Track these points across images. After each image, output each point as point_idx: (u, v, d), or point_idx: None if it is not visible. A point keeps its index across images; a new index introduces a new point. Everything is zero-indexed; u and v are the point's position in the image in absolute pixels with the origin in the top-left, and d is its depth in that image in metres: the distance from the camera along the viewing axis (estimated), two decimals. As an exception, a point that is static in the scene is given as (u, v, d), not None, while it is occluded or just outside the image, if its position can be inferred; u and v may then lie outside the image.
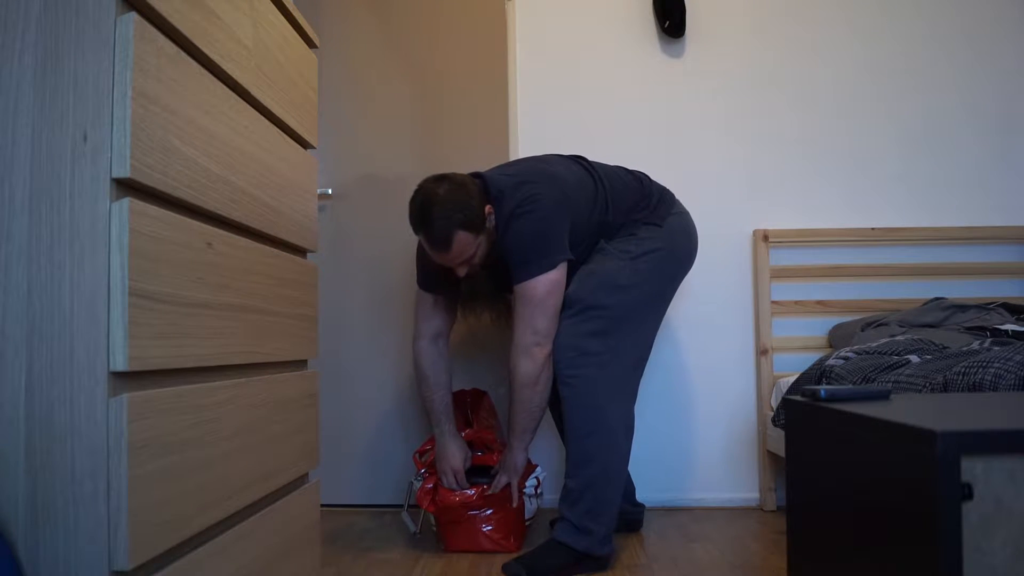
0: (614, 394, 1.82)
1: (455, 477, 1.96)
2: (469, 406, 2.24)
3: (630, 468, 2.45)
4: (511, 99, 2.56)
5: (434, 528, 2.05)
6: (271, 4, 1.22)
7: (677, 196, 2.51)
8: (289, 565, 1.25)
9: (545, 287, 1.80)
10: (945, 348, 1.83)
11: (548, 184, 1.85)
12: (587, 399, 1.80)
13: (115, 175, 0.79)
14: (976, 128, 2.56)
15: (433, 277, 1.97)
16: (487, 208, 1.82)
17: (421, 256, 1.98)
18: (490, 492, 1.93)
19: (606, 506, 1.80)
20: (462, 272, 1.86)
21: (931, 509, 0.81)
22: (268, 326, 1.18)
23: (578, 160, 2.00)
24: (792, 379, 2.14)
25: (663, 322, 2.52)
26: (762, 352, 2.45)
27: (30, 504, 0.77)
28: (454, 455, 1.98)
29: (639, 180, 2.01)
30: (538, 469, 2.07)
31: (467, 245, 1.80)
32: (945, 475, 0.80)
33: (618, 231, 1.94)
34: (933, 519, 0.80)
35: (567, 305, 1.84)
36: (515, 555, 1.90)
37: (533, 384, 1.82)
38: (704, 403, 2.51)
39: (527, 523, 2.03)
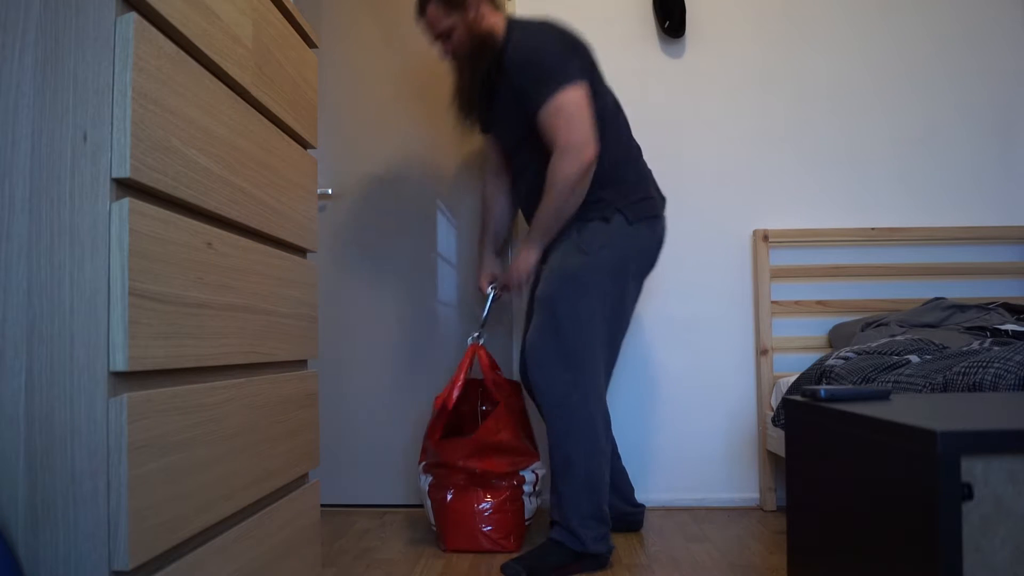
0: (589, 395, 1.82)
1: (488, 277, 2.20)
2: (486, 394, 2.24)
3: (628, 468, 2.46)
4: (511, 99, 2.56)
5: (434, 528, 2.05)
6: (271, 4, 1.22)
7: (677, 197, 2.55)
8: (289, 565, 1.25)
9: (574, 97, 1.78)
10: (945, 348, 1.83)
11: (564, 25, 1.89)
12: (561, 400, 1.81)
13: (115, 175, 0.79)
14: (975, 128, 2.56)
15: (475, 120, 2.08)
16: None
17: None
18: (498, 294, 2.16)
19: (594, 508, 1.80)
20: (444, 51, 2.00)
21: (931, 509, 0.81)
22: (268, 326, 1.18)
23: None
24: (792, 379, 2.14)
25: (662, 321, 2.52)
26: (762, 352, 2.45)
27: (30, 504, 0.77)
28: (485, 266, 2.22)
29: (639, 159, 2.01)
30: (537, 464, 2.07)
31: (438, 18, 1.94)
32: (945, 475, 0.80)
33: (592, 206, 1.90)
34: (933, 519, 0.80)
35: (535, 303, 1.89)
36: (514, 555, 1.90)
37: (573, 186, 1.80)
38: (704, 403, 2.51)
39: (527, 523, 2.03)
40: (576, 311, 1.82)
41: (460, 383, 2.03)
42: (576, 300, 1.83)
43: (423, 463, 2.08)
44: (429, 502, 2.03)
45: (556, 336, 1.82)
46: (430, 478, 2.04)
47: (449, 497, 1.96)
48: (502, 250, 2.28)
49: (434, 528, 2.05)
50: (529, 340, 1.86)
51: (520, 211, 2.19)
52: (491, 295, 2.18)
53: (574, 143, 1.77)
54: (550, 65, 1.80)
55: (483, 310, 2.19)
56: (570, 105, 1.77)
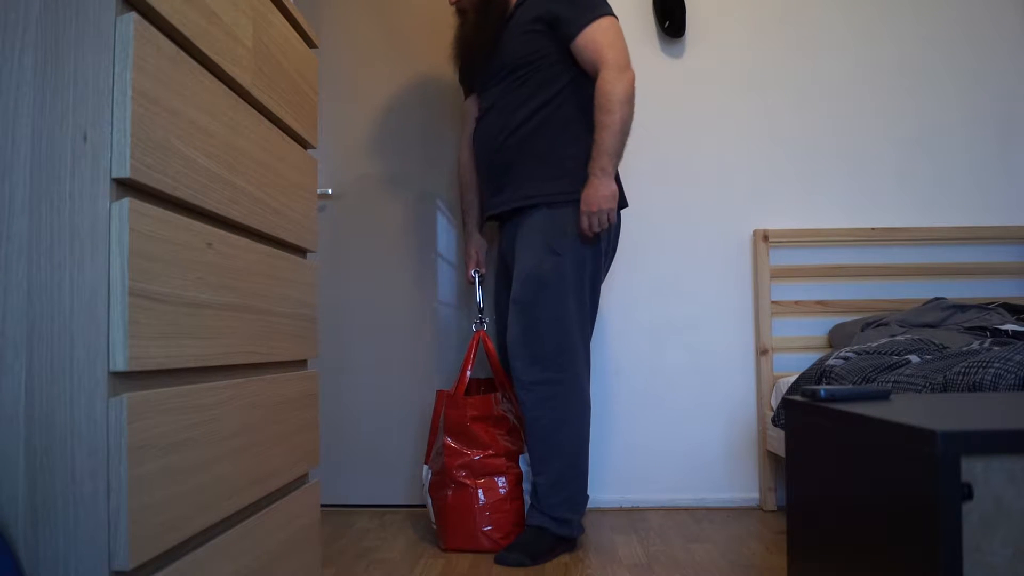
0: (572, 388, 1.91)
1: (474, 260, 2.22)
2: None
3: (629, 468, 2.47)
4: (511, 99, 2.56)
5: (434, 526, 2.05)
6: (271, 4, 1.22)
7: (677, 196, 2.55)
8: (289, 565, 1.25)
9: (616, 25, 1.92)
10: (945, 348, 1.83)
11: None
12: (546, 396, 1.89)
13: (115, 175, 0.79)
14: (975, 128, 2.56)
15: (466, 74, 2.16)
16: None
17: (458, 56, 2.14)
18: (482, 275, 2.21)
19: (579, 493, 1.92)
20: (461, 2, 2.05)
21: (931, 509, 0.81)
22: (268, 326, 1.18)
23: None
24: (792, 379, 2.14)
25: (662, 321, 2.52)
26: (762, 352, 2.45)
27: (30, 504, 0.77)
28: (472, 245, 2.24)
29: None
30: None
31: None
32: (945, 475, 0.80)
33: (570, 171, 1.94)
34: (933, 519, 0.80)
35: (513, 304, 1.93)
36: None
37: (628, 101, 1.88)
38: (704, 403, 2.51)
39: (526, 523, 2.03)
40: (555, 314, 1.89)
41: (469, 368, 2.10)
42: (554, 305, 1.89)
43: (429, 457, 2.10)
44: (430, 500, 2.03)
45: (538, 340, 1.89)
46: (431, 472, 2.04)
47: (449, 495, 1.96)
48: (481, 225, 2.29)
49: (435, 527, 2.05)
50: (510, 339, 1.93)
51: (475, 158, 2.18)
52: (477, 279, 2.22)
53: (622, 61, 1.88)
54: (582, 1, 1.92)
55: (477, 296, 2.23)
56: (614, 29, 1.91)
